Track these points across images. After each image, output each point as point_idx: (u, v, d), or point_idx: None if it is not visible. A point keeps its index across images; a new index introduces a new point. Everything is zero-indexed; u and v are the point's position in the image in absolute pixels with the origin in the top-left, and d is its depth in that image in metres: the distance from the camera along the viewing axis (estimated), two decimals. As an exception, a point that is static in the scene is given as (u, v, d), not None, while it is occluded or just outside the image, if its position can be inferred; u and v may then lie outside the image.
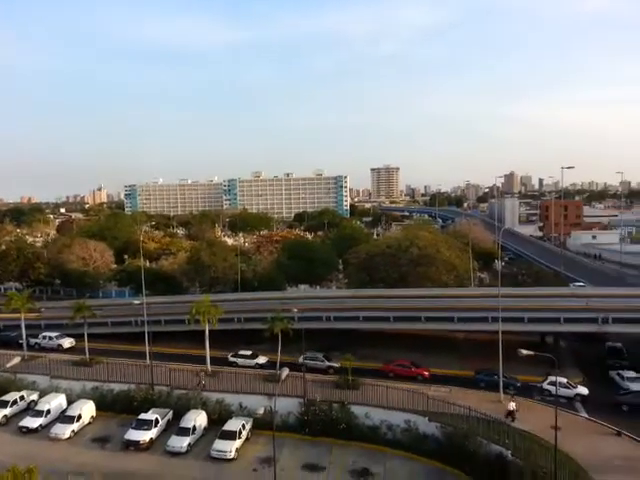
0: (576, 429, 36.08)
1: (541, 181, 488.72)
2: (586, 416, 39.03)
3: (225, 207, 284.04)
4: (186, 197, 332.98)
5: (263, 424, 37.10)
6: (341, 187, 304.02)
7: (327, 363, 49.45)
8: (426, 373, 47.18)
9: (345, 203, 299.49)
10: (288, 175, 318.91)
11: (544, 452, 30.72)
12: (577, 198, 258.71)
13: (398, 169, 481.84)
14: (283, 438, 37.22)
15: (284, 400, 39.01)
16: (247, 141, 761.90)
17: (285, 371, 37.03)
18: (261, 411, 30.83)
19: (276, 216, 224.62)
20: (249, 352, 52.19)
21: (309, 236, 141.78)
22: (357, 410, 39.06)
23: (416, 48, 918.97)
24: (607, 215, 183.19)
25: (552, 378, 42.58)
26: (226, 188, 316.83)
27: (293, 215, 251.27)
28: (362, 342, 54.01)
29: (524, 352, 30.44)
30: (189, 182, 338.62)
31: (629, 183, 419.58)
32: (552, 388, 41.74)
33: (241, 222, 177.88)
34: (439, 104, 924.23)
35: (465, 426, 34.78)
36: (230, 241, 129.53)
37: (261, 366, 49.75)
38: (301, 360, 48.57)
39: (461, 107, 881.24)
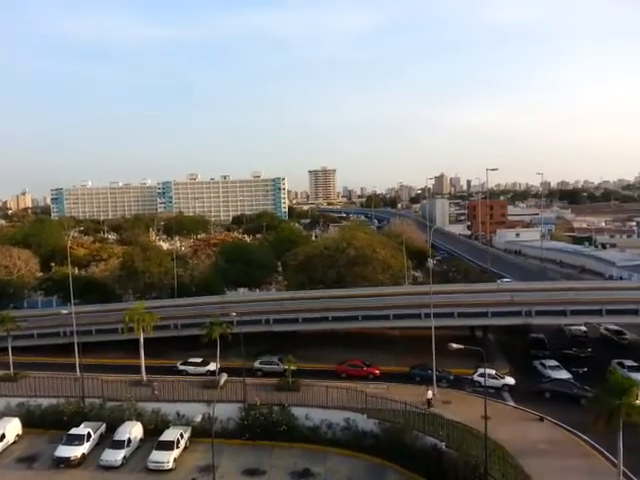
0: (504, 417, 38.24)
1: (469, 182, 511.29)
2: (513, 404, 41.43)
3: (160, 210, 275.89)
4: (117, 201, 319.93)
5: (202, 432, 36.50)
6: (279, 189, 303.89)
7: (283, 366, 49.11)
8: (377, 372, 47.87)
9: (283, 205, 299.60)
10: (225, 177, 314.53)
11: (476, 441, 32.25)
12: (502, 198, 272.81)
13: (335, 171, 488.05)
14: (223, 445, 36.73)
15: (223, 406, 38.60)
16: (182, 142, 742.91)
17: (224, 377, 36.70)
18: (199, 419, 30.43)
19: (213, 219, 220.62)
20: (199, 359, 50.28)
21: (247, 239, 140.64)
22: (298, 411, 39.31)
23: (352, 52, 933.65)
24: (529, 214, 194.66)
25: (481, 370, 44.86)
26: (160, 191, 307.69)
27: (231, 218, 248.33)
28: (303, 344, 54.16)
29: (454, 346, 31.97)
30: (120, 185, 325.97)
31: (549, 184, 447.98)
32: (482, 379, 44.04)
33: (177, 226, 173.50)
34: (374, 107, 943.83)
35: (402, 421, 35.95)
36: (165, 245, 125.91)
37: (212, 373, 47.78)
38: (257, 365, 48.51)
39: (395, 110, 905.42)
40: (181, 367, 50.08)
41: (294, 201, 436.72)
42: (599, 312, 48.75)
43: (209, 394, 39.72)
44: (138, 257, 69.53)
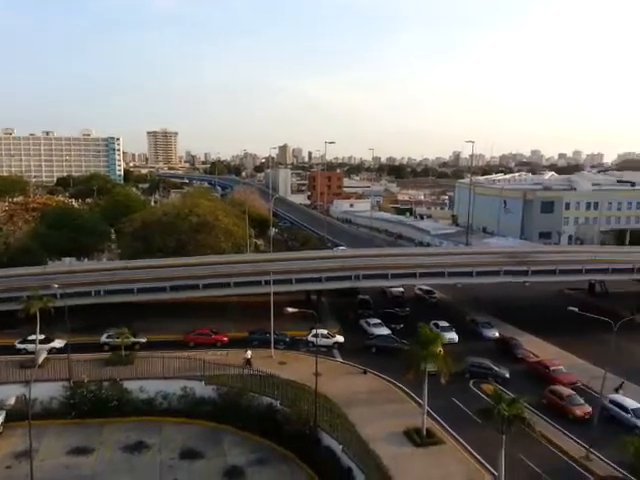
0: (333, 372, 41.61)
1: (310, 154, 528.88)
2: (341, 360, 45.19)
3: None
4: None
5: (20, 415, 33.14)
6: (113, 150, 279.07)
7: (132, 339, 45.95)
8: (225, 339, 47.85)
9: (118, 168, 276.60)
10: (48, 133, 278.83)
11: (308, 397, 34.70)
12: (339, 170, 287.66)
13: (176, 134, 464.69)
14: (45, 426, 34.01)
15: (45, 385, 35.62)
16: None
17: (43, 354, 33.60)
18: (12, 401, 27.49)
19: (34, 180, 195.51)
20: (42, 336, 43.08)
21: (75, 204, 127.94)
22: (131, 385, 37.91)
23: (195, 7, 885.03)
24: (362, 186, 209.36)
25: (315, 331, 47.99)
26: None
27: (56, 179, 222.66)
28: (148, 315, 51.53)
29: (290, 310, 33.74)
30: None
31: (379, 159, 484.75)
32: (314, 339, 47.11)
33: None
34: (220, 70, 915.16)
35: (239, 384, 36.95)
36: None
37: (59, 351, 42.61)
38: (104, 339, 45.41)
39: (241, 76, 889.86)
40: (20, 346, 44.15)
41: (131, 164, 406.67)
42: (414, 275, 55.05)
43: (27, 374, 36.13)
44: None
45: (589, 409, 34.53)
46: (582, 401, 35.44)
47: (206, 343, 46.86)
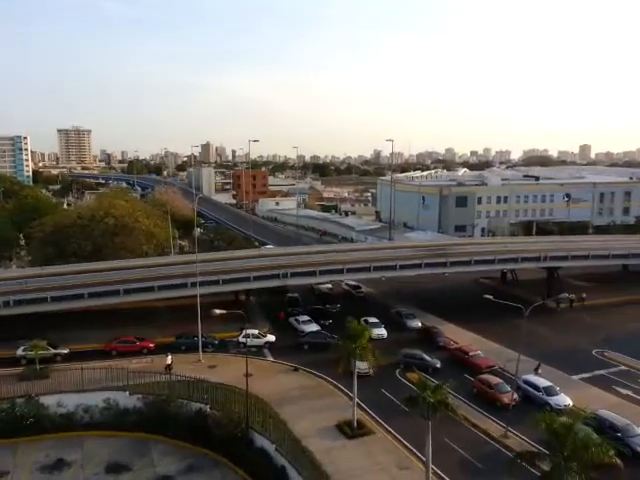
0: (264, 372, 41.45)
1: (234, 152, 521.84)
2: (272, 359, 45.11)
3: None
4: None
5: None
6: (20, 150, 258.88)
7: (53, 351, 42.69)
8: (151, 345, 46.12)
9: (26, 169, 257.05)
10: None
11: (239, 398, 34.33)
12: (264, 169, 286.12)
13: (90, 132, 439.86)
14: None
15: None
16: None
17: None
18: None
19: None
20: None
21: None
22: (47, 400, 35.62)
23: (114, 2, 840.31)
24: (287, 184, 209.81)
25: (246, 332, 47.43)
26: None
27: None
28: (65, 324, 48.35)
29: (217, 312, 33.15)
30: None
31: (303, 157, 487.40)
32: (246, 340, 46.61)
33: None
34: (139, 68, 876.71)
35: (166, 392, 35.79)
36: None
37: None
38: (20, 353, 42.24)
39: (161, 74, 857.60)
40: None
41: (40, 164, 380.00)
42: (341, 271, 56.03)
43: None
44: None
45: (514, 396, 35.61)
46: (509, 389, 36.59)
47: (131, 351, 44.90)
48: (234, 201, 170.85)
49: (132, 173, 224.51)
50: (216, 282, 51.54)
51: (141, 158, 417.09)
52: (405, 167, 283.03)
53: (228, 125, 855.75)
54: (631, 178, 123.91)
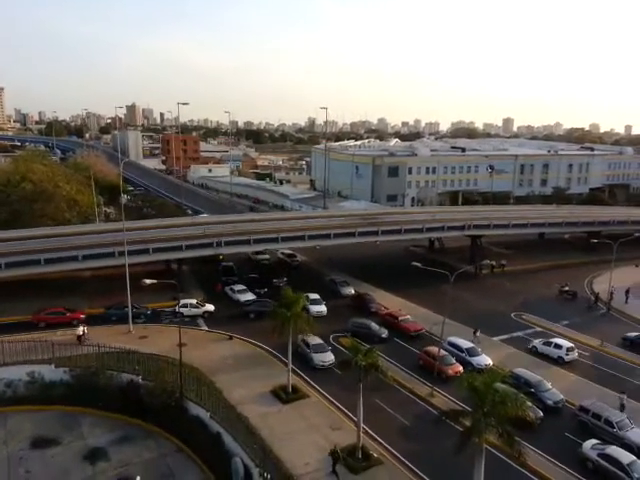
0: (198, 341, 41.22)
1: (162, 115, 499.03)
2: (206, 329, 44.77)
3: None
4: None
5: None
6: None
7: None
8: (82, 315, 44.24)
9: None
10: None
11: (172, 368, 33.87)
12: (195, 134, 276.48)
13: (2, 89, 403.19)
14: None
15: None
16: None
17: None
18: None
19: None
20: None
21: None
22: (-36, 377, 33.42)
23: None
24: (220, 151, 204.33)
25: (183, 301, 46.67)
26: None
27: None
28: None
29: (147, 282, 32.25)
30: None
31: (237, 123, 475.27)
32: (184, 310, 45.97)
33: None
34: (58, 23, 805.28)
35: (94, 363, 34.69)
36: None
37: None
38: None
39: (81, 31, 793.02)
40: None
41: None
42: (276, 239, 56.03)
43: None
44: None
45: (460, 368, 37.10)
46: (454, 361, 37.72)
47: (60, 323, 43.03)
48: (164, 167, 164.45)
49: (50, 135, 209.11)
50: (146, 251, 50.01)
51: (60, 119, 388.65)
52: (339, 136, 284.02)
53: (156, 87, 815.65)
54: (549, 151, 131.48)
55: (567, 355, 40.13)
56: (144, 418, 31.63)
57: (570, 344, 41.23)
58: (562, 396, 33.65)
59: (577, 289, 57.01)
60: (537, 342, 42.18)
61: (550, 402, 33.03)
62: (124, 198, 75.68)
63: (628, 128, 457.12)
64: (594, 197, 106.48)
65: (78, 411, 32.80)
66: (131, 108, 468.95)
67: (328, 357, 38.10)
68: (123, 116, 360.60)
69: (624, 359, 41.00)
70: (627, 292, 54.07)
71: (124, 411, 32.17)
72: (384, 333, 43.26)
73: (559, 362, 39.91)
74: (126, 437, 30.73)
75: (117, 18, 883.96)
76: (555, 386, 34.63)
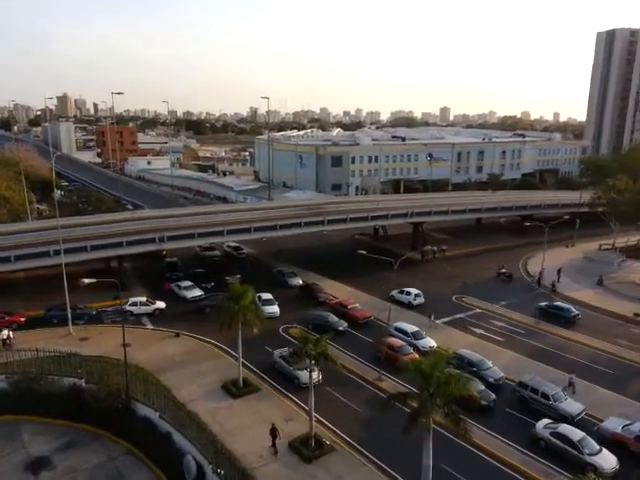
0: (143, 340, 40.20)
1: (96, 106, 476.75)
2: (152, 327, 43.65)
3: None
4: None
5: None
6: None
7: None
8: (22, 319, 42.19)
9: None
10: None
11: (117, 370, 32.82)
12: (131, 125, 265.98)
13: None
14: None
15: None
16: None
17: None
18: None
19: None
20: None
21: None
22: None
23: None
24: (159, 142, 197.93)
25: (132, 299, 45.27)
26: None
27: None
28: None
29: (86, 281, 31.02)
30: None
31: (176, 113, 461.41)
32: (133, 308, 44.67)
33: None
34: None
35: (33, 369, 33.07)
36: None
37: None
38: None
39: (8, 20, 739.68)
40: None
41: None
42: (221, 232, 55.25)
43: None
44: None
45: (416, 355, 36.33)
46: (411, 350, 38.07)
47: None
48: (99, 160, 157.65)
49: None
50: (83, 249, 48.04)
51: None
52: (282, 126, 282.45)
53: (90, 79, 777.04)
54: (484, 139, 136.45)
55: (415, 300, 49.03)
56: (90, 422, 30.57)
57: (417, 291, 49.72)
58: (502, 373, 35.47)
59: (513, 271, 59.98)
60: (394, 292, 48.57)
61: (491, 379, 34.74)
62: (58, 194, 72.13)
63: (556, 115, 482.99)
64: (526, 182, 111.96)
65: (18, 419, 31.24)
66: (62, 99, 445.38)
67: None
68: (54, 107, 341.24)
69: (558, 335, 43.59)
70: (559, 272, 57.44)
71: (68, 417, 30.96)
72: (342, 325, 42.72)
73: (409, 306, 48.28)
74: (72, 443, 29.64)
75: (50, 6, 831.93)
76: (495, 364, 36.43)
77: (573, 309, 47.57)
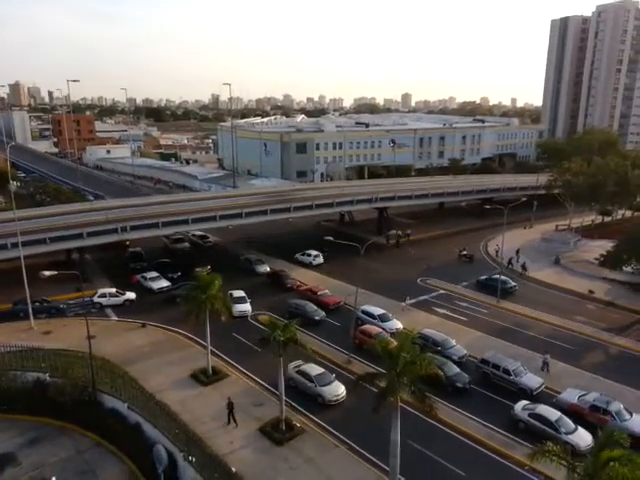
0: (108, 332, 39.56)
1: (51, 94, 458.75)
2: (116, 318, 42.93)
3: None
4: None
5: None
6: None
7: None
8: None
9: None
10: None
11: (82, 362, 32.22)
12: (88, 113, 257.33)
13: None
14: None
15: None
16: None
17: None
18: None
19: None
20: None
21: None
22: None
23: None
24: (118, 130, 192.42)
25: (101, 290, 44.42)
26: None
27: None
28: None
29: (46, 274, 30.30)
30: None
31: (135, 100, 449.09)
32: (102, 300, 43.86)
33: None
34: None
35: (-6, 365, 32.15)
36: None
37: None
38: None
39: None
40: None
41: None
42: (186, 221, 54.44)
43: None
44: None
45: (395, 343, 38.53)
46: (389, 337, 37.29)
47: None
48: (56, 150, 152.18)
49: None
50: (43, 241, 46.55)
51: None
52: (245, 113, 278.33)
53: (42, 65, 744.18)
54: (445, 124, 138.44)
55: (314, 260, 56.93)
56: (56, 416, 30.00)
57: (316, 252, 57.61)
58: (465, 351, 36.65)
59: (474, 252, 61.64)
60: (298, 255, 57.96)
61: (455, 357, 35.81)
62: (14, 185, 69.49)
63: (514, 101, 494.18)
64: (486, 166, 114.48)
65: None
66: (15, 87, 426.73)
67: (339, 389, 31.73)
68: (6, 96, 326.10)
69: (519, 313, 45.22)
70: (517, 252, 59.33)
71: (33, 412, 30.30)
72: (319, 315, 42.49)
73: (310, 266, 55.92)
74: (38, 438, 29.06)
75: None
76: (459, 343, 37.57)
77: (511, 281, 50.58)
